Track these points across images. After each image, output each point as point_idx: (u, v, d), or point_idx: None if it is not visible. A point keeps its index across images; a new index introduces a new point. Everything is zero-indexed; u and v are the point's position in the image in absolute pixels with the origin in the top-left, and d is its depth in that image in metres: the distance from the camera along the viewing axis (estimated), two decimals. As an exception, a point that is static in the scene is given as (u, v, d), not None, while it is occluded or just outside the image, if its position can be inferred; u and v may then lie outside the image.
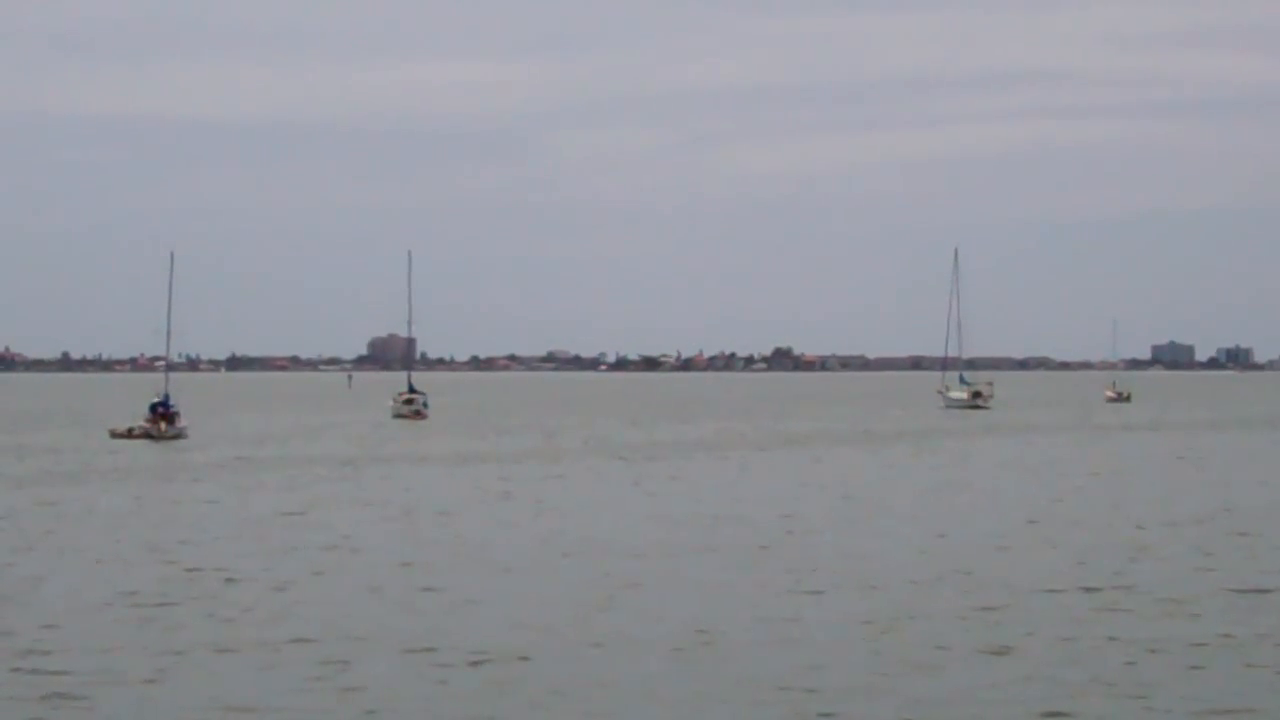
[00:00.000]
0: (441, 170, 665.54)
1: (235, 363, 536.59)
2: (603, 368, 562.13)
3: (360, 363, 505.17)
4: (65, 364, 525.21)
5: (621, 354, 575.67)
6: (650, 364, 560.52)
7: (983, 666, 24.91)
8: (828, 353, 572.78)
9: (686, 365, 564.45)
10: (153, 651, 26.11)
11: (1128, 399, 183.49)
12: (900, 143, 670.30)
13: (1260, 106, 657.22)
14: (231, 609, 30.44)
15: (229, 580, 34.54)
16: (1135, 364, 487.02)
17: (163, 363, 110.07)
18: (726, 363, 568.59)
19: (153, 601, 31.43)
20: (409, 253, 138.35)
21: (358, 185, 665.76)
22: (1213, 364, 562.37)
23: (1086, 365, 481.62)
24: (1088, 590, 32.53)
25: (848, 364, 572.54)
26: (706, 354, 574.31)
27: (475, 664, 25.11)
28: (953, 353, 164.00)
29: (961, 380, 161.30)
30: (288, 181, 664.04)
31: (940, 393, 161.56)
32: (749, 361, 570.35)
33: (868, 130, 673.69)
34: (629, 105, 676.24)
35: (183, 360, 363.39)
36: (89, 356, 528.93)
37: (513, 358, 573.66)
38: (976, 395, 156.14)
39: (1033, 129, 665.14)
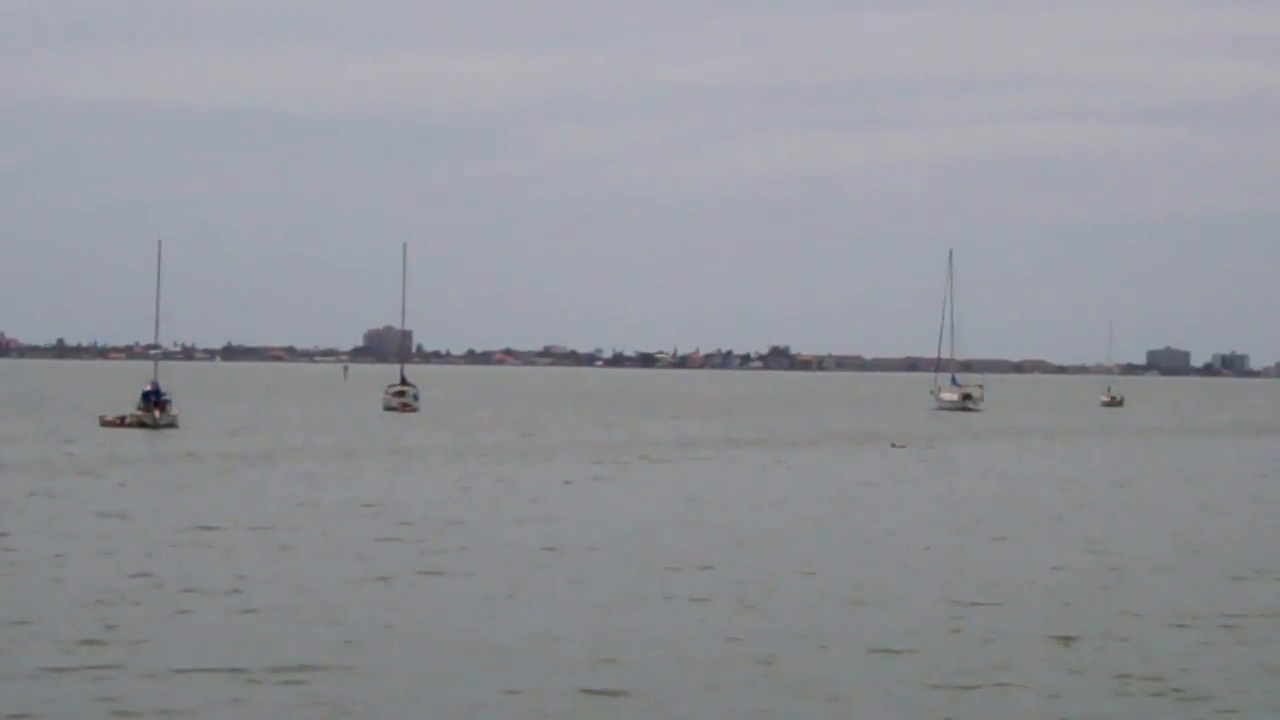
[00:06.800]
0: (439, 162, 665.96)
1: (231, 352, 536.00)
2: (599, 363, 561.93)
3: (356, 354, 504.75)
4: (60, 351, 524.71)
5: (618, 350, 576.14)
6: (646, 360, 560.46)
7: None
8: (824, 352, 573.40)
9: (683, 363, 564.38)
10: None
11: (1120, 404, 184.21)
12: (899, 143, 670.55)
13: (1259, 112, 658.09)
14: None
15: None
16: (1131, 369, 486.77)
17: (157, 351, 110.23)
18: (723, 361, 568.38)
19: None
20: (404, 245, 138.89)
21: (356, 176, 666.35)
22: (1208, 370, 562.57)
23: (1082, 369, 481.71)
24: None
25: (844, 364, 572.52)
26: (703, 351, 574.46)
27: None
28: (947, 355, 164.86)
29: (953, 382, 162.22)
30: (286, 171, 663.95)
31: (933, 393, 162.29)
32: (745, 360, 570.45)
33: (867, 130, 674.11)
34: (628, 100, 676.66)
35: (178, 349, 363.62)
36: (84, 344, 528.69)
37: (509, 352, 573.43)
38: (967, 397, 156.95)
39: (1030, 132, 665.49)
